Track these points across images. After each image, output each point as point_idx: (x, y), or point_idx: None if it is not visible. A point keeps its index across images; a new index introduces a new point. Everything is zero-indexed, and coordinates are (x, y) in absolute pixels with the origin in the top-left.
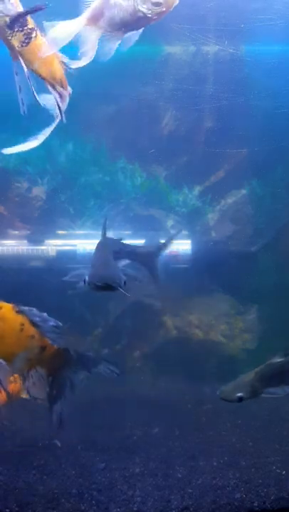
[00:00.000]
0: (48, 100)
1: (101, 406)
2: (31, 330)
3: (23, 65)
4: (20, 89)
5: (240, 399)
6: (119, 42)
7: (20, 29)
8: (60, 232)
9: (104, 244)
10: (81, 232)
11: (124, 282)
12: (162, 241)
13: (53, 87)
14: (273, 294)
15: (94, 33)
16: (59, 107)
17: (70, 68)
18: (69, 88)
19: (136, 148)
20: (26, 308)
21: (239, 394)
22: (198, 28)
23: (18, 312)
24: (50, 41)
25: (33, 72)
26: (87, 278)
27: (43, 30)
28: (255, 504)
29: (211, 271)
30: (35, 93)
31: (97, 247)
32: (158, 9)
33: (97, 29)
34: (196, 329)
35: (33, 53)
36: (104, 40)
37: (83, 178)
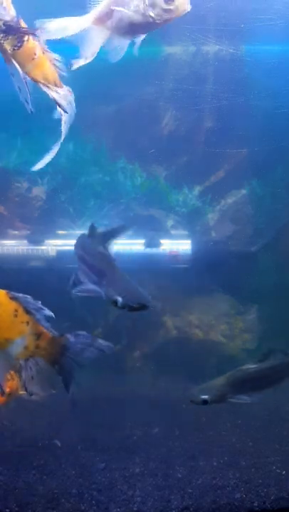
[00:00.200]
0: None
1: (101, 406)
2: (25, 316)
3: (17, 67)
4: (20, 90)
5: (205, 402)
6: (128, 44)
7: (13, 33)
8: (60, 232)
9: (108, 256)
10: (81, 232)
11: None
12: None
13: (47, 87)
14: (273, 294)
15: (99, 34)
16: (60, 105)
17: (64, 70)
18: (66, 88)
19: (136, 148)
20: (21, 295)
21: (204, 397)
22: (198, 28)
23: (12, 299)
24: (49, 30)
25: (26, 74)
26: (120, 299)
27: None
28: (255, 504)
29: (211, 271)
30: (28, 95)
31: (96, 256)
32: (167, 15)
33: (103, 30)
34: (196, 329)
35: (24, 56)
36: (113, 42)
37: (83, 178)
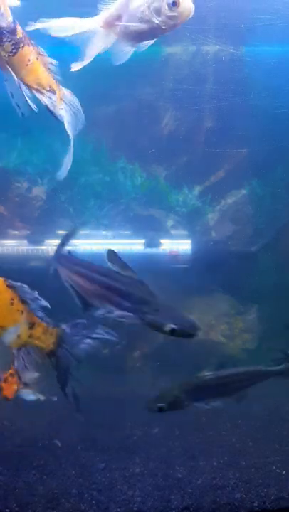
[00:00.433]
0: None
1: (101, 406)
2: (20, 305)
3: (12, 73)
4: (12, 96)
5: (161, 409)
6: (134, 49)
7: (9, 39)
8: (60, 232)
9: (141, 282)
10: (81, 232)
11: None
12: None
13: (40, 93)
14: (273, 294)
15: (105, 38)
16: (51, 112)
17: (59, 74)
18: (65, 90)
19: (136, 148)
20: (18, 284)
21: (160, 404)
22: (198, 28)
23: (9, 287)
24: (55, 28)
25: (20, 80)
26: (174, 326)
27: (32, 38)
28: (255, 504)
29: (211, 271)
30: (27, 98)
31: (131, 283)
32: (172, 22)
33: (110, 34)
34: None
35: (19, 62)
36: (118, 46)
37: (83, 178)
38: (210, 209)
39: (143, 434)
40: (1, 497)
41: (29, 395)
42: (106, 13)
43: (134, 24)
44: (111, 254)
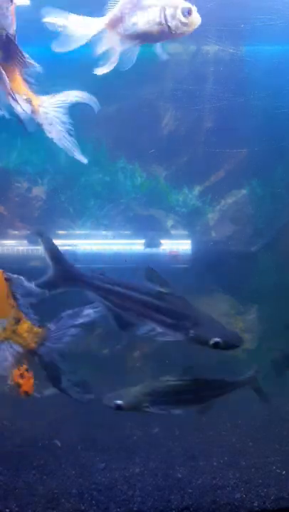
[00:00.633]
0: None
1: (101, 406)
2: (12, 300)
3: (5, 78)
4: None
5: (119, 407)
6: (137, 51)
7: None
8: (60, 232)
9: (182, 298)
10: (81, 232)
11: None
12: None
13: (16, 101)
14: (273, 294)
15: (114, 40)
16: (19, 120)
17: (34, 81)
18: (45, 97)
19: (136, 148)
20: (15, 276)
21: (118, 402)
22: (198, 27)
23: (6, 280)
24: (64, 39)
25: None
26: (220, 340)
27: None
28: (255, 504)
29: (211, 271)
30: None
31: (173, 300)
32: (183, 29)
33: (117, 36)
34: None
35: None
36: (124, 48)
37: (83, 178)
38: (210, 209)
39: (143, 434)
40: (1, 497)
41: (47, 390)
42: (111, 13)
43: (142, 27)
44: (149, 271)
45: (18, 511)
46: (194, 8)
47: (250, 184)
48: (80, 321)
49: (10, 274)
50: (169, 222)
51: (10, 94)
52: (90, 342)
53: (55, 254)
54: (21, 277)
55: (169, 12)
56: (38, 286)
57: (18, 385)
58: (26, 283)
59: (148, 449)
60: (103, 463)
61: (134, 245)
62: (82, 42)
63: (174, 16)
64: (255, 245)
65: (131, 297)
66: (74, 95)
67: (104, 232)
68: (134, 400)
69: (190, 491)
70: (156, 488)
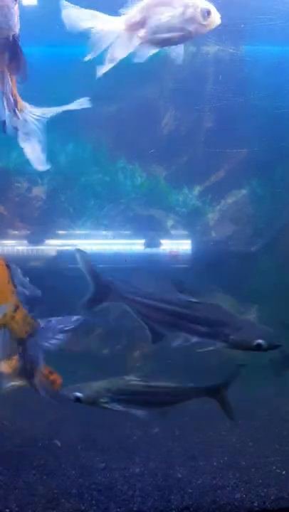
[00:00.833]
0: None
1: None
2: (12, 286)
3: (8, 78)
4: None
5: (78, 399)
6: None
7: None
8: (60, 232)
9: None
10: (81, 232)
11: None
12: None
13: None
14: (273, 294)
15: (127, 41)
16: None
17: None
18: (27, 104)
19: (136, 148)
20: (13, 265)
21: (77, 394)
22: None
23: (7, 266)
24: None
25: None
26: (262, 342)
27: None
28: (255, 504)
29: (211, 271)
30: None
31: (208, 308)
32: (202, 30)
33: (132, 38)
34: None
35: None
36: (142, 50)
37: (83, 178)
38: (210, 209)
39: (143, 434)
40: (1, 497)
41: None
42: (129, 16)
43: (164, 32)
44: (179, 285)
45: (18, 511)
46: (214, 9)
47: (250, 184)
48: (67, 328)
49: (8, 262)
50: (169, 222)
51: (9, 95)
52: (90, 342)
53: (92, 271)
54: (18, 268)
55: (188, 15)
56: (81, 305)
57: (52, 382)
58: (21, 275)
59: (148, 449)
60: (103, 463)
61: (134, 245)
62: (105, 44)
63: (193, 20)
64: (255, 245)
65: (167, 309)
66: (55, 111)
67: (104, 232)
68: (94, 394)
69: (190, 491)
70: (156, 488)
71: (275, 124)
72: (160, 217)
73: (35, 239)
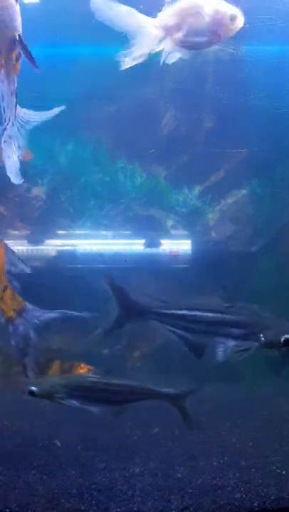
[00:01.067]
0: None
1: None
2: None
3: (14, 78)
4: (2, 98)
5: (32, 393)
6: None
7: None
8: (60, 232)
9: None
10: (81, 232)
11: None
12: None
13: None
14: (273, 294)
15: (159, 41)
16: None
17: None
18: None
19: (136, 148)
20: (9, 248)
21: (32, 388)
22: None
23: (4, 246)
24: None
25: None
26: (287, 336)
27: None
28: (255, 504)
29: (211, 271)
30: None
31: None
32: (230, 33)
33: (165, 39)
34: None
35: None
36: (174, 51)
37: (83, 178)
38: (210, 209)
39: (143, 434)
40: (1, 497)
41: None
42: (165, 19)
43: (197, 37)
44: (225, 289)
45: (18, 511)
46: (239, 13)
47: (250, 184)
48: (41, 318)
49: (6, 244)
50: (169, 222)
51: (14, 94)
52: (90, 342)
53: (118, 293)
54: (14, 251)
55: (218, 20)
56: (110, 328)
57: None
58: (16, 257)
59: (148, 449)
60: (103, 463)
61: (134, 245)
62: (139, 43)
63: (222, 24)
64: (255, 245)
65: (195, 318)
66: (44, 116)
67: (104, 232)
68: (50, 388)
69: (190, 491)
70: (156, 488)
71: (275, 124)
72: (160, 217)
73: (35, 239)
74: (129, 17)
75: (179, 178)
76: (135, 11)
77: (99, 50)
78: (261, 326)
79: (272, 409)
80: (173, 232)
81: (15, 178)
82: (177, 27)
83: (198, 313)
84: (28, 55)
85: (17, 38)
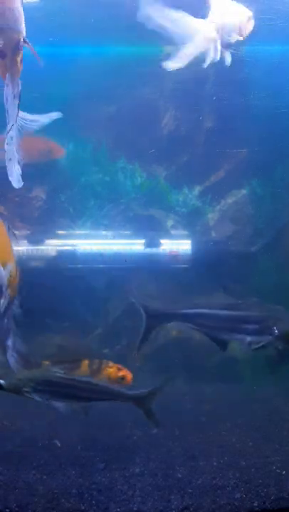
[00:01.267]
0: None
1: (101, 406)
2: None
3: (17, 80)
4: (6, 101)
5: (0, 386)
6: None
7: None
8: (60, 232)
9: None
10: (81, 232)
11: None
12: None
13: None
14: (273, 294)
15: (209, 43)
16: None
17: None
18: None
19: (136, 148)
20: (10, 230)
21: (0, 381)
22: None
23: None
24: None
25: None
26: None
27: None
28: (255, 504)
29: (211, 271)
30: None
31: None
32: (246, 33)
33: (218, 40)
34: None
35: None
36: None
37: (83, 178)
38: (210, 209)
39: (143, 434)
40: (1, 497)
41: None
42: (214, 20)
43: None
44: (229, 286)
45: (18, 511)
46: (251, 13)
47: (250, 184)
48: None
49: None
50: (169, 222)
51: (18, 97)
52: (90, 342)
53: (141, 303)
54: (15, 233)
55: (242, 22)
56: (142, 338)
57: (122, 378)
58: (12, 234)
59: (148, 449)
60: (103, 463)
61: (134, 245)
62: (200, 50)
63: (244, 24)
64: (255, 245)
65: (217, 317)
66: (44, 119)
67: (104, 232)
68: (17, 382)
69: (190, 491)
70: (156, 488)
71: (275, 124)
72: (160, 217)
73: (35, 239)
74: (181, 21)
75: (179, 178)
76: (186, 14)
77: (99, 50)
78: (274, 319)
79: (272, 409)
80: (173, 232)
81: (16, 182)
82: (222, 28)
83: (218, 311)
84: (34, 53)
85: (22, 40)
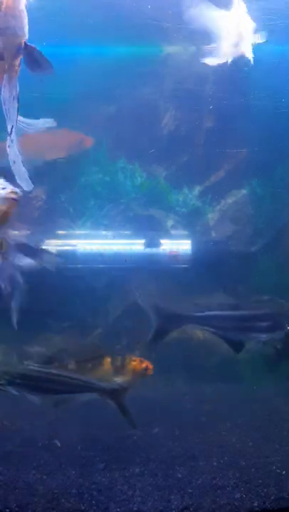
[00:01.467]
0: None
1: (101, 406)
2: None
3: (15, 83)
4: (4, 103)
5: None
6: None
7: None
8: (60, 232)
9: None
10: (81, 232)
11: None
12: None
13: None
14: (273, 294)
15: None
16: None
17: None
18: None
19: (136, 148)
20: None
21: None
22: (198, 27)
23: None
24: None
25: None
26: None
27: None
28: (255, 504)
29: (211, 271)
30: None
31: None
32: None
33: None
34: (196, 329)
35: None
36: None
37: (83, 178)
38: (210, 209)
39: (143, 434)
40: (1, 497)
41: None
42: (249, 19)
43: None
44: (231, 287)
45: (18, 511)
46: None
47: (250, 184)
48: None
49: None
50: (169, 222)
51: (16, 99)
52: (92, 341)
53: (153, 307)
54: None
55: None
56: (151, 341)
57: (144, 369)
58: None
59: (148, 449)
60: (103, 463)
61: (134, 245)
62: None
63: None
64: (255, 245)
65: (229, 317)
66: (42, 123)
67: (104, 232)
68: None
69: (190, 491)
70: (156, 488)
71: (275, 124)
72: (160, 217)
73: (35, 239)
74: (223, 20)
75: (179, 178)
76: (227, 13)
77: (99, 50)
78: (286, 315)
79: (272, 409)
80: (173, 232)
81: (26, 185)
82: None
83: (233, 312)
84: (39, 60)
85: (22, 45)
